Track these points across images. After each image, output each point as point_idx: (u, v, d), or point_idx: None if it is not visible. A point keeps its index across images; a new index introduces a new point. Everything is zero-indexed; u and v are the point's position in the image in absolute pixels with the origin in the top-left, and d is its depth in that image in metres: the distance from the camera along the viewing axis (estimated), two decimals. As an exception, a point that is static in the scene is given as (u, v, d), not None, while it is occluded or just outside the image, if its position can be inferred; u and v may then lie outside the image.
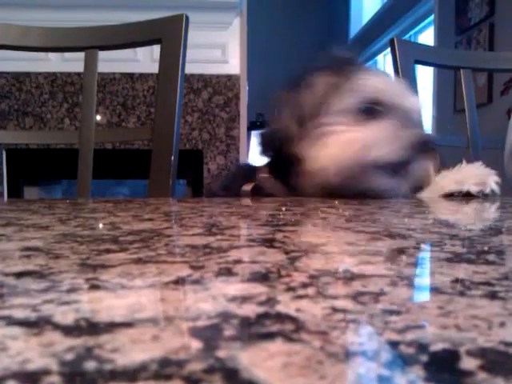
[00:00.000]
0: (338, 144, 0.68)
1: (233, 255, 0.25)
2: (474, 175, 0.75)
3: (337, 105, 0.71)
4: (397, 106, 0.72)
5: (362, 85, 0.71)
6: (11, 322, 0.15)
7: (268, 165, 0.80)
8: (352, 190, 0.69)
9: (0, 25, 0.92)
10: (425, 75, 3.85)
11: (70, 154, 1.34)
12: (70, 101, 2.37)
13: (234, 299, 0.17)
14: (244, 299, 0.17)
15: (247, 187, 0.80)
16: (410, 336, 0.14)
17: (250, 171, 0.82)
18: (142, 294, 0.18)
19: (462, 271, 0.22)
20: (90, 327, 0.14)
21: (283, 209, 0.52)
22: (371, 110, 0.70)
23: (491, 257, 0.26)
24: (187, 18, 0.92)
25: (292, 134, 0.72)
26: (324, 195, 0.71)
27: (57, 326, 0.14)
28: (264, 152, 0.80)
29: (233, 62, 2.42)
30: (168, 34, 0.91)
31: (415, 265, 0.25)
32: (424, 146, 0.68)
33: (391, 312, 0.16)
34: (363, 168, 0.67)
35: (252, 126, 5.53)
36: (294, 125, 0.73)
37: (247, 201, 0.71)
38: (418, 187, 0.73)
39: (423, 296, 0.19)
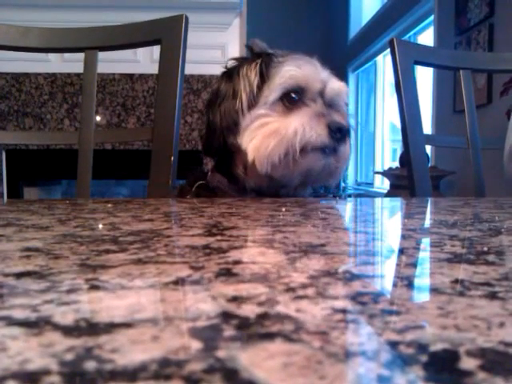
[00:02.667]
0: (265, 134, 0.74)
1: (232, 256, 0.25)
2: None
3: (265, 96, 0.76)
4: (319, 92, 0.78)
5: (288, 75, 0.76)
6: (11, 322, 0.15)
7: (215, 163, 0.84)
8: (289, 176, 0.76)
9: (0, 25, 0.92)
10: (424, 76, 3.85)
11: (70, 155, 1.34)
12: (69, 101, 2.37)
13: (233, 299, 0.17)
14: (244, 299, 0.17)
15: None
16: (409, 336, 0.14)
17: (202, 173, 0.86)
18: (141, 295, 0.18)
19: (462, 272, 0.22)
20: (90, 327, 0.14)
21: (283, 209, 0.52)
22: (295, 99, 0.76)
23: (491, 257, 0.26)
24: (187, 18, 0.92)
25: (238, 122, 0.76)
26: (268, 185, 0.78)
27: (57, 327, 0.14)
28: (207, 151, 0.83)
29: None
30: (168, 35, 0.91)
31: (415, 265, 0.25)
32: (343, 132, 0.74)
33: (391, 312, 0.16)
34: (293, 153, 0.73)
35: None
36: (238, 113, 0.76)
37: (245, 201, 0.71)
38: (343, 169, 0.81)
39: (423, 296, 0.19)
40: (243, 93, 0.76)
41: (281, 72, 0.76)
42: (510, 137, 0.86)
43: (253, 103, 0.76)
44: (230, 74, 0.79)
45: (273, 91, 0.76)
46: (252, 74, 0.77)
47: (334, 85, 0.80)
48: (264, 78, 0.77)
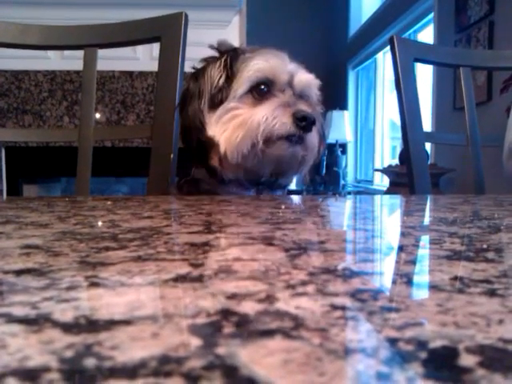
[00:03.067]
0: (235, 126, 0.76)
1: (232, 253, 0.25)
2: None
3: (235, 89, 0.78)
4: (288, 83, 0.80)
5: (255, 68, 0.78)
6: (11, 319, 0.15)
7: (196, 158, 0.85)
8: (258, 164, 0.78)
9: (-1, 22, 0.92)
10: (424, 73, 3.85)
11: (70, 152, 1.34)
12: (69, 99, 2.37)
13: (233, 296, 0.17)
14: (243, 296, 0.17)
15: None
16: (409, 333, 0.14)
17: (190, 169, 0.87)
18: (141, 292, 0.18)
19: (461, 269, 0.22)
20: (90, 324, 0.14)
21: (282, 207, 0.52)
22: (264, 91, 0.78)
23: (490, 254, 0.26)
24: (186, 16, 0.92)
25: (203, 121, 0.78)
26: (244, 175, 0.80)
27: (56, 324, 0.14)
28: (186, 144, 0.84)
29: (232, 60, 2.42)
30: (167, 32, 0.90)
31: (414, 262, 0.25)
32: (309, 121, 0.76)
33: (390, 309, 0.16)
34: (257, 143, 0.75)
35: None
36: (203, 112, 0.79)
37: (244, 199, 0.71)
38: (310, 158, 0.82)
39: (422, 293, 0.19)
40: (207, 93, 0.79)
41: (248, 66, 0.79)
42: (509, 135, 0.86)
43: (220, 100, 0.78)
44: (198, 75, 0.81)
45: (241, 84, 0.78)
46: (216, 72, 0.79)
47: (302, 76, 0.82)
48: (233, 74, 0.79)
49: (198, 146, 0.80)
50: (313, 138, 0.79)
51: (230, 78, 0.79)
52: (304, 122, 0.75)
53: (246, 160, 0.77)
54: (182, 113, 0.82)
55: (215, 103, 0.78)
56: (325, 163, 4.95)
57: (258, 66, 0.78)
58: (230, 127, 0.77)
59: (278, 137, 0.75)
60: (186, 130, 0.81)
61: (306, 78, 0.83)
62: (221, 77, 0.79)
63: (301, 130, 0.75)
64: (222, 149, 0.77)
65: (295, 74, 0.81)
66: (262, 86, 0.78)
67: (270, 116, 0.74)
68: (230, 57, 0.80)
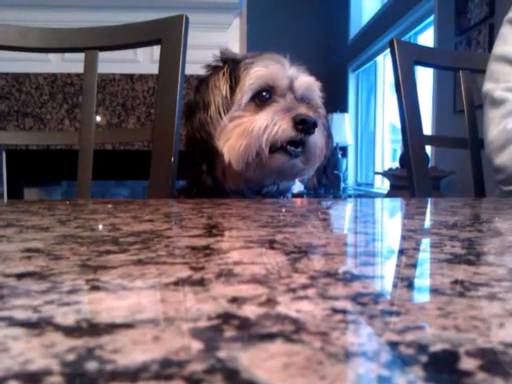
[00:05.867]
0: (237, 135, 0.77)
1: (233, 256, 0.26)
2: None
3: (238, 99, 0.79)
4: (288, 88, 0.81)
5: (255, 76, 0.79)
6: (12, 322, 0.15)
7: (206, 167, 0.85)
8: (260, 174, 0.79)
9: (0, 25, 0.92)
10: (425, 76, 3.85)
11: (70, 155, 1.34)
12: (69, 102, 2.37)
13: (234, 300, 0.17)
14: (244, 300, 0.17)
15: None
16: (409, 337, 0.14)
17: (199, 173, 0.87)
18: (142, 295, 0.18)
19: (462, 272, 0.22)
20: (91, 328, 0.14)
21: (283, 210, 0.52)
22: (266, 97, 0.79)
23: (491, 258, 0.26)
24: (187, 18, 0.92)
25: (210, 132, 0.79)
26: (246, 185, 0.81)
27: (58, 327, 0.14)
28: (193, 154, 0.84)
29: (233, 63, 2.42)
30: (168, 35, 0.91)
31: (415, 266, 0.25)
32: (311, 124, 0.75)
33: (391, 313, 0.16)
34: (262, 151, 0.75)
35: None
36: (209, 123, 0.79)
37: (245, 202, 0.71)
38: (313, 161, 0.81)
39: (423, 297, 0.19)
40: (213, 104, 0.79)
41: (249, 74, 0.79)
42: (491, 130, 0.86)
43: (228, 108, 0.79)
44: (201, 85, 0.83)
45: (244, 93, 0.79)
46: (221, 83, 0.80)
47: (302, 80, 0.83)
48: (236, 82, 0.80)
49: (206, 156, 0.81)
50: (316, 139, 0.79)
51: (233, 87, 0.80)
52: (304, 125, 0.75)
53: (249, 169, 0.77)
54: (186, 123, 0.82)
55: (221, 113, 0.78)
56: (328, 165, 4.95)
57: (257, 73, 0.79)
58: (233, 136, 0.77)
59: (281, 142, 0.75)
60: (191, 140, 0.81)
61: (306, 81, 0.83)
62: (225, 87, 0.80)
63: (302, 134, 0.75)
64: (226, 158, 0.77)
65: (295, 78, 0.82)
66: (264, 93, 0.79)
67: (270, 122, 0.74)
68: (231, 67, 0.81)
